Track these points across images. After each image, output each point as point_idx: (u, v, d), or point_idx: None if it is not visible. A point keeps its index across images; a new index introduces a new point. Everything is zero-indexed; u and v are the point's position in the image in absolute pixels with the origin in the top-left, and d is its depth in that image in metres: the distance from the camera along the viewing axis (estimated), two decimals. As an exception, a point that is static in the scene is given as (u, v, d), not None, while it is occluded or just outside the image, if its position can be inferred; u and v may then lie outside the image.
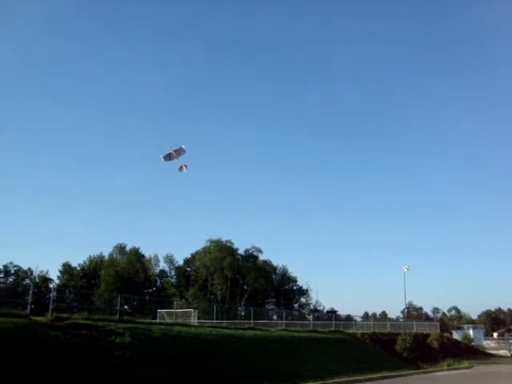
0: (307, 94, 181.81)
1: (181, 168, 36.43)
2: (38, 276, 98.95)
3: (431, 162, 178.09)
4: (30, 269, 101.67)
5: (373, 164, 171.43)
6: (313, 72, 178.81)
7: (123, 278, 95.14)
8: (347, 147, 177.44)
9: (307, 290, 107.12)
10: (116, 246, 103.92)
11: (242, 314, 70.50)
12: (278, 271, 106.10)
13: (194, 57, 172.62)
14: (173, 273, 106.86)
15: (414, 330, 54.74)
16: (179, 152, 36.06)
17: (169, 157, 36.02)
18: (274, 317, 69.88)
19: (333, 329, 49.29)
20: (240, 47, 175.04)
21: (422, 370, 42.61)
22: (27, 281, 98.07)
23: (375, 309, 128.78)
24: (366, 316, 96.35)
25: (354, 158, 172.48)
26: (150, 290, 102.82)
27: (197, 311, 53.43)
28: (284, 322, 47.80)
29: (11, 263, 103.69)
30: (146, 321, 33.35)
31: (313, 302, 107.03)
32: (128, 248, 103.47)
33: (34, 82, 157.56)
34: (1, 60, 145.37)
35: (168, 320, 42.32)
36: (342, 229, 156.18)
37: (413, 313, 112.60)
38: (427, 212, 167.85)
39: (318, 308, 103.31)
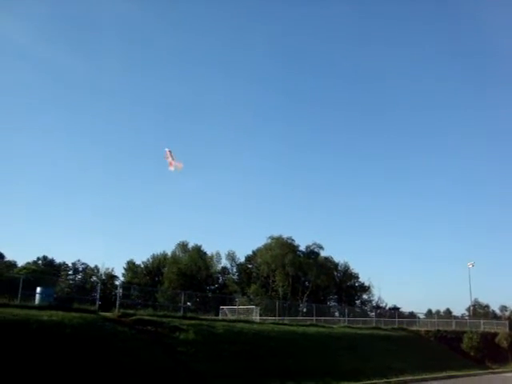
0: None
1: (176, 167, 37.53)
2: (104, 273, 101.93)
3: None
4: (96, 266, 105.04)
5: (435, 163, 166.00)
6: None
7: (186, 276, 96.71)
8: (405, 146, 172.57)
9: (369, 287, 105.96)
10: (178, 244, 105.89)
11: (304, 310, 70.40)
12: (339, 268, 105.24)
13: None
14: (234, 270, 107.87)
15: (481, 329, 53.08)
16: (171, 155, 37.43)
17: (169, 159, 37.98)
18: (336, 314, 69.52)
19: (396, 326, 48.59)
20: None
21: (490, 371, 41.42)
22: (94, 278, 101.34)
23: (439, 306, 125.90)
24: (429, 313, 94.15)
25: (413, 157, 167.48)
26: (212, 287, 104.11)
27: (258, 308, 53.74)
28: (346, 318, 47.47)
29: (79, 261, 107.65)
30: (209, 317, 33.84)
31: (375, 298, 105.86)
32: (190, 246, 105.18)
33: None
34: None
35: (230, 317, 42.75)
36: (405, 224, 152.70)
37: (479, 310, 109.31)
38: (493, 206, 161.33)
39: (381, 305, 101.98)
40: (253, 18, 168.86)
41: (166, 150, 38.09)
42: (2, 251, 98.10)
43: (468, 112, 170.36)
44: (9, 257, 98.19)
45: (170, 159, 37.87)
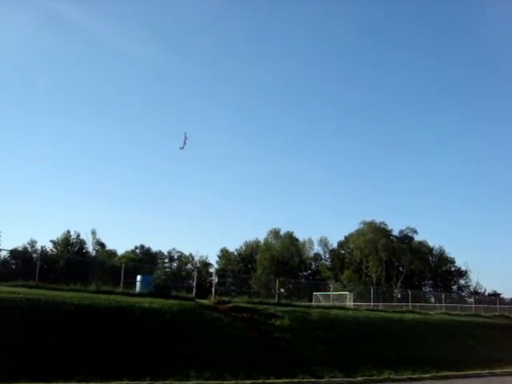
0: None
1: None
2: (199, 261, 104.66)
3: None
4: (191, 254, 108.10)
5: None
6: None
7: (278, 262, 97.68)
8: None
9: (466, 272, 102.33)
10: (271, 231, 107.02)
11: (399, 296, 69.27)
12: (434, 252, 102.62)
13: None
14: (327, 256, 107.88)
15: None
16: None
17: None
18: (432, 300, 67.77)
19: (497, 313, 46.62)
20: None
21: None
22: (189, 266, 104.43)
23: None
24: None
25: None
26: (305, 273, 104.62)
27: (352, 294, 53.41)
28: (443, 305, 46.14)
29: (174, 249, 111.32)
30: (303, 304, 33.98)
31: (473, 284, 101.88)
32: (282, 232, 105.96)
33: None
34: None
35: (324, 303, 42.73)
36: (504, 202, 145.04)
37: None
38: None
39: (479, 290, 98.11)
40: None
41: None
42: (103, 241, 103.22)
43: None
44: (109, 246, 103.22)
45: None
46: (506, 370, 28.17)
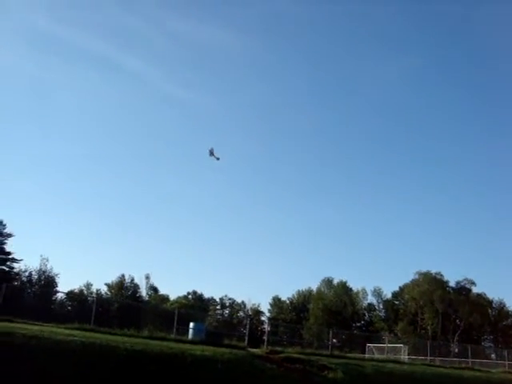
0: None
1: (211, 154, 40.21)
2: (251, 309, 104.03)
3: None
4: (243, 302, 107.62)
5: None
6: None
7: (331, 312, 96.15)
8: None
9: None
10: (323, 280, 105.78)
11: (456, 351, 66.82)
12: (494, 305, 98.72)
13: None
14: (381, 306, 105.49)
15: None
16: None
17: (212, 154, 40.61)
18: (493, 356, 64.90)
19: None
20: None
21: None
22: (241, 313, 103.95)
23: None
24: None
25: None
26: (358, 324, 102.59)
27: (407, 347, 51.78)
28: (507, 362, 43.92)
29: (226, 296, 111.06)
30: (357, 356, 33.13)
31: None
32: (335, 281, 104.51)
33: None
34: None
35: (377, 355, 41.58)
36: None
37: None
38: None
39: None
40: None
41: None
42: (157, 285, 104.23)
43: None
44: (162, 291, 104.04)
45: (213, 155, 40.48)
46: None
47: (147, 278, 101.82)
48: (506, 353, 46.84)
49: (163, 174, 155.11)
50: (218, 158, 40.21)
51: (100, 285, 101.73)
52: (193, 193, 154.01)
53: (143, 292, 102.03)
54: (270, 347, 27.32)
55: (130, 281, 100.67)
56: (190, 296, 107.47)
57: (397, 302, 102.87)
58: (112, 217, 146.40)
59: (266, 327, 34.49)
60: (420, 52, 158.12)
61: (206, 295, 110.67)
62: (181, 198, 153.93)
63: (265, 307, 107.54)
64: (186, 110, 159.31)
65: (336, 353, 31.31)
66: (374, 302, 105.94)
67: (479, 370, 36.49)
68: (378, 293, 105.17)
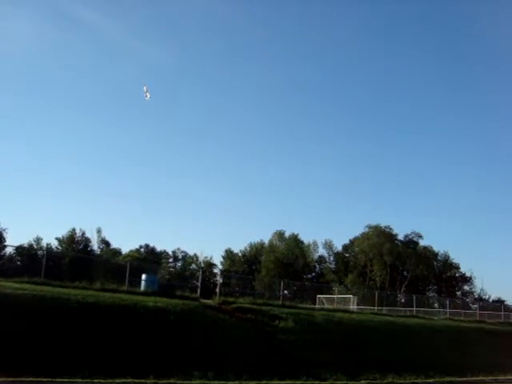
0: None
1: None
2: (204, 261, 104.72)
3: None
4: (195, 254, 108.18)
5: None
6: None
7: (283, 264, 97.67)
8: None
9: (471, 278, 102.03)
10: (275, 233, 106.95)
11: (402, 301, 69.17)
12: (439, 257, 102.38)
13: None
14: (331, 259, 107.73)
15: None
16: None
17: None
18: (436, 305, 67.75)
19: (501, 320, 46.36)
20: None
21: None
22: (194, 266, 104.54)
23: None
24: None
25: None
26: (309, 276, 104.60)
27: (356, 297, 53.34)
28: (448, 310, 45.95)
29: (179, 249, 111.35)
30: (307, 306, 33.88)
31: (477, 290, 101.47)
32: (287, 234, 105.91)
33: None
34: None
35: (327, 305, 42.66)
36: (509, 208, 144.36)
37: None
38: None
39: (483, 297, 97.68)
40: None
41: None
42: (108, 239, 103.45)
43: None
44: (114, 245, 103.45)
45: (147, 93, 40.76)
46: (509, 377, 28.08)
47: (98, 231, 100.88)
48: (447, 302, 48.99)
49: (114, 128, 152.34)
50: (147, 96, 40.24)
51: (50, 239, 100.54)
52: (142, 145, 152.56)
53: (95, 246, 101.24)
54: (222, 298, 27.63)
55: (80, 235, 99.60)
56: (142, 249, 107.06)
57: (347, 255, 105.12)
58: (61, 170, 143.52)
59: (219, 279, 34.65)
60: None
61: (159, 248, 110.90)
62: (130, 151, 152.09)
63: (217, 260, 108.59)
64: (140, 62, 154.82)
65: (287, 303, 31.93)
66: (325, 254, 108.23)
67: (423, 318, 38.05)
68: (328, 245, 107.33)
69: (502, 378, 27.55)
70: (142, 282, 28.65)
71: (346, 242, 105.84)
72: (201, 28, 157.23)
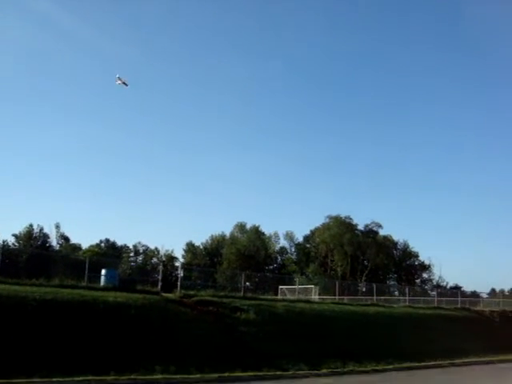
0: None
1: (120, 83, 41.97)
2: (165, 255, 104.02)
3: None
4: (156, 248, 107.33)
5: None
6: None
7: (244, 256, 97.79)
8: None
9: (429, 266, 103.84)
10: (237, 225, 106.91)
11: (363, 290, 69.96)
12: (398, 246, 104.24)
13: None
14: (293, 249, 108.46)
15: (552, 309, 51.10)
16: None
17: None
18: (396, 293, 68.84)
19: (458, 306, 47.47)
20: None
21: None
22: (155, 259, 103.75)
23: (503, 285, 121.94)
24: (493, 292, 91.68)
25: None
26: (271, 267, 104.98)
27: (317, 287, 53.79)
28: (407, 298, 46.78)
29: (139, 243, 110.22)
30: (269, 297, 34.03)
31: (435, 277, 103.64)
32: (248, 226, 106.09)
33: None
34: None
35: (289, 296, 42.89)
36: (467, 200, 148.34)
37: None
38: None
39: (441, 284, 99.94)
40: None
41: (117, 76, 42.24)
42: (68, 235, 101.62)
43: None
44: (74, 240, 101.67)
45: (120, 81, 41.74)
46: (465, 360, 28.99)
47: (57, 227, 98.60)
48: (406, 289, 49.86)
49: (69, 120, 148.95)
50: (126, 84, 39.90)
51: (7, 236, 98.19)
52: (99, 138, 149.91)
53: (53, 242, 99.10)
54: (183, 291, 27.50)
55: (38, 231, 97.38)
56: (102, 244, 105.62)
57: (308, 245, 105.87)
58: (16, 165, 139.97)
59: (179, 272, 34.42)
60: None
61: (120, 243, 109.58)
62: (87, 144, 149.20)
63: (179, 253, 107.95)
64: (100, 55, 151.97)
65: (249, 295, 32.01)
66: (286, 245, 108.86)
67: (383, 306, 38.61)
68: (289, 236, 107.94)
69: (458, 361, 28.43)
70: (102, 277, 28.33)
71: (307, 232, 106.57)
72: (163, 24, 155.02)
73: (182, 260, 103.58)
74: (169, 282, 43.34)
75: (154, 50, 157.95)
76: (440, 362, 27.31)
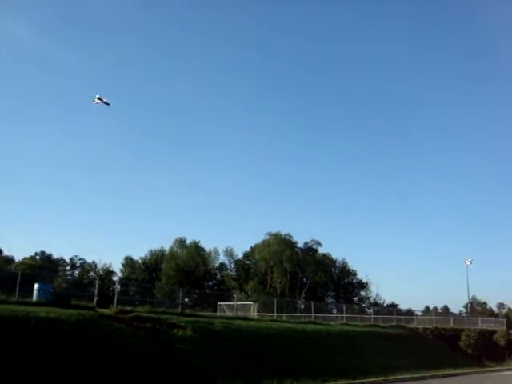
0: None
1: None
2: (102, 269, 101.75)
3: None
4: (94, 262, 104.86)
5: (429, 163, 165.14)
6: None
7: (184, 271, 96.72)
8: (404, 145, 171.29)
9: (367, 284, 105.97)
10: (176, 240, 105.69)
11: (302, 307, 70.49)
12: (337, 264, 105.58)
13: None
14: (232, 266, 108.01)
15: (479, 326, 53.11)
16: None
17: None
18: (334, 310, 69.61)
19: (394, 323, 48.57)
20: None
21: (487, 369, 41.48)
22: (92, 273, 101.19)
23: (437, 303, 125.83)
24: (427, 310, 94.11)
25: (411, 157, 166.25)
26: (210, 283, 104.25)
27: (256, 304, 53.74)
28: (344, 315, 47.41)
29: (76, 256, 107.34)
30: (207, 314, 33.75)
31: (373, 295, 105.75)
32: (188, 242, 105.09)
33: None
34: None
35: (228, 313, 42.74)
36: (403, 221, 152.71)
37: (476, 308, 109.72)
38: (491, 204, 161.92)
39: (378, 302, 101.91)
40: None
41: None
42: (0, 246, 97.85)
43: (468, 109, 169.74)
44: (6, 252, 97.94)
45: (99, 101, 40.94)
46: (398, 377, 29.62)
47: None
48: (344, 307, 50.54)
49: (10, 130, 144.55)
50: (108, 104, 39.51)
51: None
52: (39, 149, 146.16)
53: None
54: (120, 307, 26.92)
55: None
56: (37, 257, 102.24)
57: (248, 262, 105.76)
58: None
59: (116, 287, 33.68)
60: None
61: (56, 255, 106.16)
62: (24, 154, 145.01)
63: (117, 267, 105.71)
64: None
65: (187, 311, 31.67)
66: (226, 261, 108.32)
67: (321, 324, 39.07)
68: (229, 253, 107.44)
69: (391, 378, 28.95)
70: (35, 292, 27.44)
71: (247, 249, 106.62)
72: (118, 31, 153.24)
73: (120, 274, 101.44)
74: (106, 297, 42.34)
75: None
76: (374, 379, 27.69)
